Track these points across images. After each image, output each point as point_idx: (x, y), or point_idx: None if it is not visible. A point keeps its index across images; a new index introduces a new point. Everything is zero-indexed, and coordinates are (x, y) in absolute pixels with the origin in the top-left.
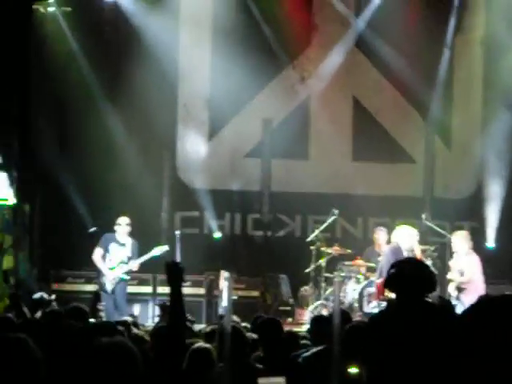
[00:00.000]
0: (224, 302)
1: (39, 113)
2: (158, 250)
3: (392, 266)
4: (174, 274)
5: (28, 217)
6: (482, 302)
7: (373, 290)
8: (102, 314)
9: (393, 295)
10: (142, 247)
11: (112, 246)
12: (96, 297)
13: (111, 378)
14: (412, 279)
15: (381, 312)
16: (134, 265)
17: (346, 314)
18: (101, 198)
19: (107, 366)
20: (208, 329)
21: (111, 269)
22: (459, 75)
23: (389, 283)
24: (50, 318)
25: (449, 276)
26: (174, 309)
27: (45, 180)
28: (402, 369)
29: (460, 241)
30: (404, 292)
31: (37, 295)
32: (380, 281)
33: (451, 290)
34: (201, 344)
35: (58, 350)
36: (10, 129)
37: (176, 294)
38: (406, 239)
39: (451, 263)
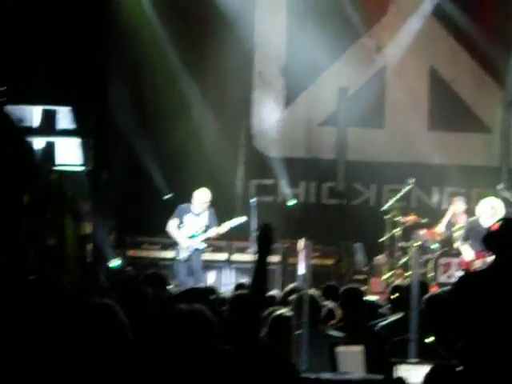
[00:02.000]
0: (301, 270)
1: (117, 81)
2: (236, 221)
3: (497, 222)
4: (265, 239)
5: (105, 183)
6: None
7: (448, 260)
8: (177, 282)
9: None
10: (217, 215)
11: (187, 217)
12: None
13: (188, 345)
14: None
15: (474, 272)
16: (213, 232)
17: (423, 284)
18: (176, 166)
19: (185, 333)
20: (284, 296)
21: (188, 237)
22: None
23: (485, 241)
24: (127, 284)
25: None
26: (258, 275)
27: (122, 147)
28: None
29: None
30: (502, 252)
31: (114, 263)
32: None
33: None
34: (282, 312)
35: (138, 316)
36: (88, 96)
37: (263, 261)
38: (486, 210)
39: None
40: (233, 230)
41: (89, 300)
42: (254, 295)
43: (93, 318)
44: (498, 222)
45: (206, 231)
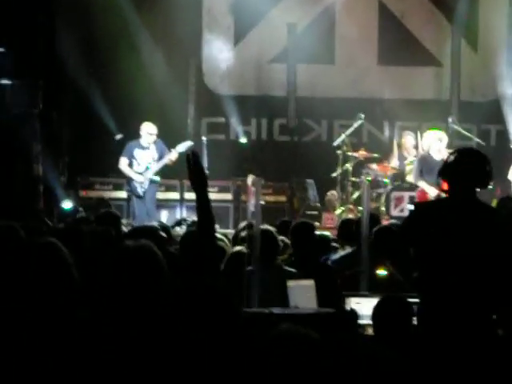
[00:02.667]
0: (252, 207)
1: (64, 20)
2: (183, 145)
3: (452, 153)
4: (196, 176)
5: (55, 125)
6: None
7: (400, 194)
8: (130, 220)
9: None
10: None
11: (136, 152)
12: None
13: (137, 281)
14: (469, 170)
15: (427, 202)
16: (165, 160)
17: (374, 217)
18: (127, 106)
19: (133, 269)
20: (237, 233)
21: (140, 173)
22: None
23: (444, 171)
24: (80, 224)
25: None
26: (201, 211)
27: (70, 88)
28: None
29: None
30: (458, 182)
31: (66, 205)
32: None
33: None
34: (240, 248)
35: (86, 255)
36: (36, 36)
37: (202, 197)
38: (434, 144)
39: None
40: (184, 167)
41: (32, 239)
42: (201, 229)
43: (36, 256)
44: (452, 153)
45: (157, 162)
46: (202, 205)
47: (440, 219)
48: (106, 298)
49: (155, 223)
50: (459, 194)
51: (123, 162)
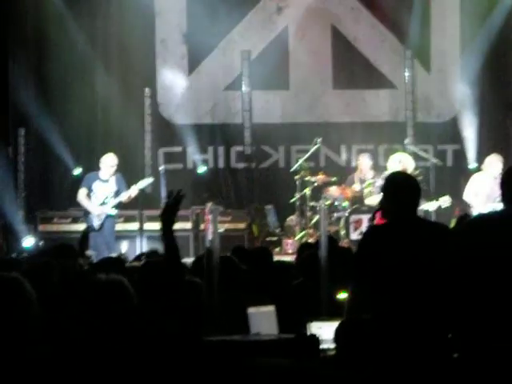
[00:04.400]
0: (210, 235)
1: (17, 56)
2: (144, 182)
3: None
4: (170, 214)
5: (11, 160)
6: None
7: (359, 217)
8: (91, 252)
9: None
10: (128, 184)
11: (95, 184)
12: (84, 236)
13: (108, 314)
14: (404, 187)
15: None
16: (124, 196)
17: (332, 241)
18: (83, 138)
19: (104, 303)
20: (196, 262)
21: (99, 205)
22: None
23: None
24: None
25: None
26: (168, 243)
27: (25, 123)
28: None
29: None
30: (397, 201)
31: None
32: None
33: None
34: (189, 277)
35: (43, 287)
36: None
37: (168, 230)
38: (393, 166)
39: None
40: (143, 198)
41: None
42: (169, 263)
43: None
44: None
45: (115, 197)
46: (169, 243)
47: (388, 241)
48: (73, 333)
49: (115, 255)
50: (400, 215)
51: (82, 193)
